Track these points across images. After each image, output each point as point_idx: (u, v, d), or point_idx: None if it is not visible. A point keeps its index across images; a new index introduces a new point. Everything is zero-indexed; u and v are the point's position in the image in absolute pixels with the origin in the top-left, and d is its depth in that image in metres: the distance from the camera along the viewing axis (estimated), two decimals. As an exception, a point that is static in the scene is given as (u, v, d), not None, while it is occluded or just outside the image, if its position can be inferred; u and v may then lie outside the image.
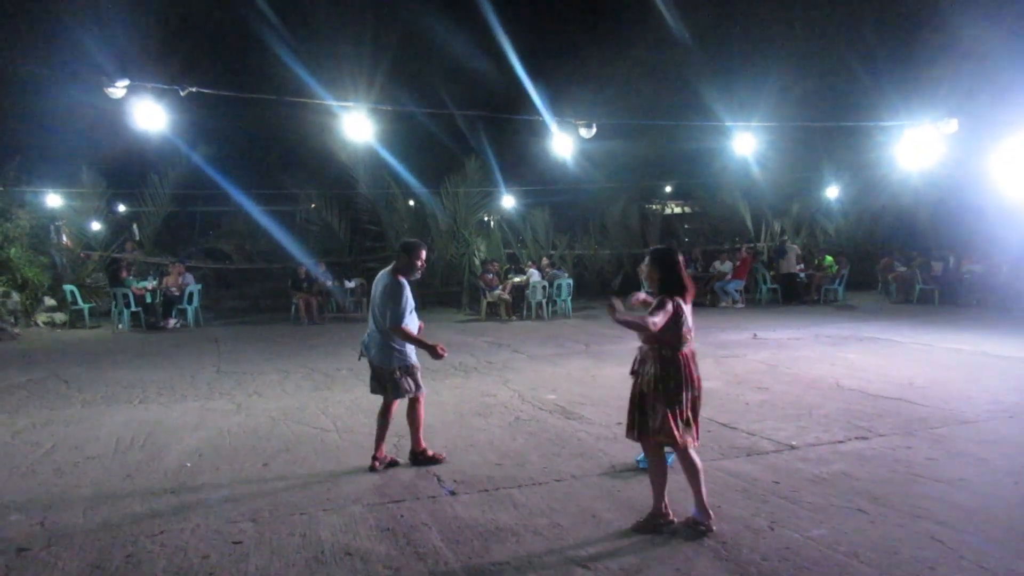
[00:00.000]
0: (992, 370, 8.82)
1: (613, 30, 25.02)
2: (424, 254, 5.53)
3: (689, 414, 4.14)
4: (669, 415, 4.07)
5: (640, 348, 4.27)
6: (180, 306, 14.76)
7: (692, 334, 4.20)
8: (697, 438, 4.22)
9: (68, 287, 14.91)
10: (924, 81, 15.86)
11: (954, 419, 6.55)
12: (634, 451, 5.63)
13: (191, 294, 14.84)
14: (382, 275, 5.47)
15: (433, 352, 5.27)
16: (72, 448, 6.05)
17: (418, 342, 5.37)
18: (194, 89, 9.02)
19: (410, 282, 5.44)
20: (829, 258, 18.60)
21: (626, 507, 4.60)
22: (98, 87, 9.00)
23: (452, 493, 4.90)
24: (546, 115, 12.49)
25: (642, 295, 4.56)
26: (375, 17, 23.28)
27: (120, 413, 7.30)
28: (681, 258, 4.36)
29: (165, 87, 9.20)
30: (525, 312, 15.83)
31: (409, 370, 5.43)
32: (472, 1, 20.44)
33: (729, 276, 17.42)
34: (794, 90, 18.70)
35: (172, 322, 14.47)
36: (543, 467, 5.43)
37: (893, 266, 18.20)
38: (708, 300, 17.38)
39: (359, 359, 5.66)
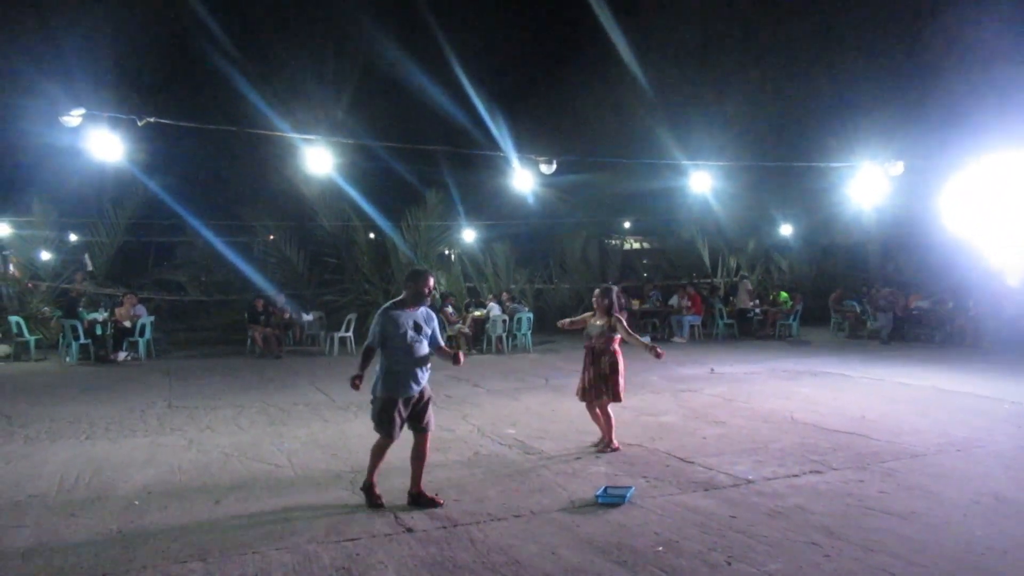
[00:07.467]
0: (941, 404, 9.04)
1: (574, 70, 25.44)
2: (431, 281, 5.49)
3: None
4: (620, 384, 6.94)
5: (594, 346, 6.95)
6: (131, 338, 14.38)
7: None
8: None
9: (14, 318, 14.44)
10: (873, 125, 16.45)
11: (905, 453, 6.69)
12: (593, 487, 5.64)
13: (143, 326, 14.48)
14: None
15: (353, 380, 5.31)
16: (12, 486, 5.82)
17: (361, 364, 5.42)
18: (152, 119, 8.90)
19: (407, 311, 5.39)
20: (784, 294, 18.90)
21: (585, 543, 4.58)
22: (52, 115, 8.84)
23: (409, 530, 4.83)
24: (507, 150, 12.61)
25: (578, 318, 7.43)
26: (337, 51, 23.40)
27: (65, 449, 7.05)
28: (616, 291, 7.12)
29: (122, 116, 9.06)
30: (485, 346, 15.79)
31: (373, 400, 5.43)
32: (435, 38, 20.73)
33: (687, 310, 17.57)
34: (750, 132, 19.23)
35: (123, 355, 14.06)
36: (502, 503, 5.38)
37: (843, 301, 18.55)
38: (666, 334, 17.55)
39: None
